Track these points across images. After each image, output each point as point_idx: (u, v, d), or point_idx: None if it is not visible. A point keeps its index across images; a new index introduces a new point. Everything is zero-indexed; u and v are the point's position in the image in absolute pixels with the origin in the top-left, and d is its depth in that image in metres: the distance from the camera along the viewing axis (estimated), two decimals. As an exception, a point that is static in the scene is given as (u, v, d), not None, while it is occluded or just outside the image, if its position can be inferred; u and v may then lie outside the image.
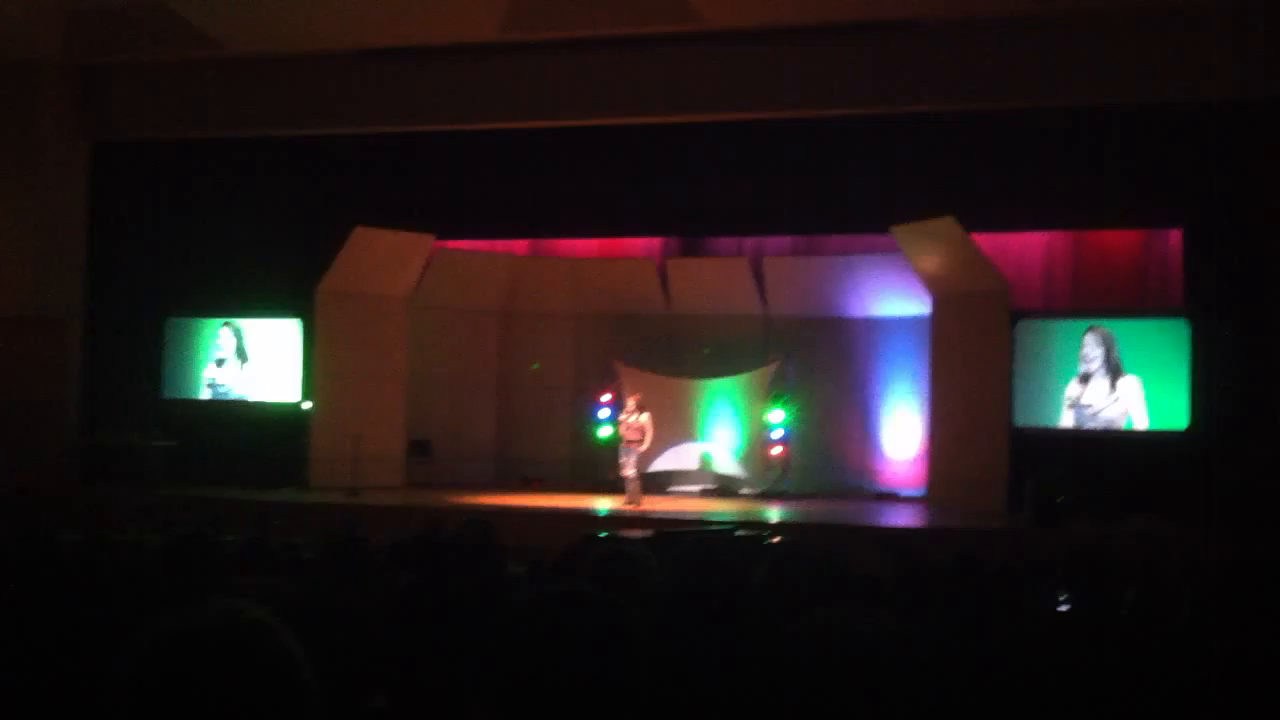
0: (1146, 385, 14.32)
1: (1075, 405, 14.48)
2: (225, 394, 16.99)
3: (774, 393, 17.04)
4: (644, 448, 15.21)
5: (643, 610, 2.88)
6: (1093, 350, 14.49)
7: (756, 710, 1.92)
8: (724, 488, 17.15)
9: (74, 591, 3.13)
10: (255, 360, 16.99)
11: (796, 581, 3.78)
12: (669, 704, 2.43)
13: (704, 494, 17.05)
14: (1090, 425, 14.46)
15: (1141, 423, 14.26)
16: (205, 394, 17.05)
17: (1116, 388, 14.37)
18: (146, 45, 15.32)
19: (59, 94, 16.45)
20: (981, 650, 2.67)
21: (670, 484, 17.31)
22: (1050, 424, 14.65)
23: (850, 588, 3.98)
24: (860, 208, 15.55)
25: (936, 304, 15.74)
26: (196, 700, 1.69)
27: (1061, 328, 14.93)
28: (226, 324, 17.02)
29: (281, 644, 1.77)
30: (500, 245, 18.61)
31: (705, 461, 17.30)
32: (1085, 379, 14.52)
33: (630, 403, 15.40)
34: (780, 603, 3.54)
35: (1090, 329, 14.58)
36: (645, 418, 15.14)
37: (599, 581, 3.90)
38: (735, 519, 13.63)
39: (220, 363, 17.04)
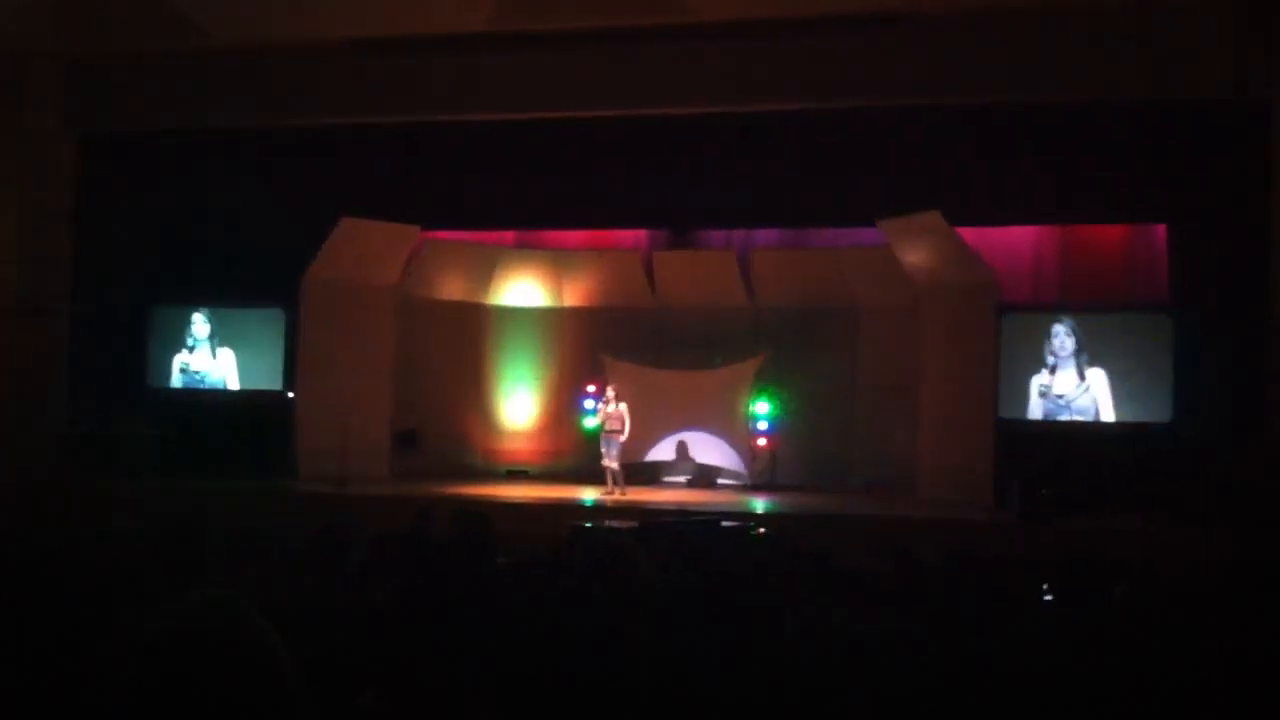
0: (1131, 380, 14.42)
1: (1046, 395, 14.62)
2: (200, 381, 16.95)
3: (760, 385, 17.07)
4: (624, 437, 15.30)
5: (634, 605, 2.87)
6: (1064, 340, 14.60)
7: (753, 708, 1.92)
8: (710, 479, 17.17)
9: (59, 583, 3.11)
10: (238, 349, 16.96)
11: (789, 577, 3.78)
12: (664, 701, 2.42)
13: (690, 485, 17.09)
14: (1062, 416, 14.59)
15: (1108, 414, 14.42)
16: (177, 380, 16.99)
17: (1085, 378, 14.50)
18: (134, 35, 15.23)
19: (47, 83, 16.34)
20: (980, 649, 2.68)
21: (657, 475, 17.35)
22: (1028, 416, 14.78)
23: (842, 584, 3.98)
24: (847, 201, 15.56)
25: (923, 297, 15.76)
26: (178, 692, 1.68)
27: (1047, 322, 14.98)
28: (200, 310, 16.98)
29: (262, 637, 1.77)
30: (487, 237, 18.57)
31: (690, 452, 17.34)
32: (1053, 369, 14.68)
33: (609, 392, 15.49)
34: (772, 598, 3.54)
35: (1058, 320, 14.71)
36: (624, 407, 15.29)
37: (589, 575, 3.90)
38: (721, 510, 13.64)
39: (191, 349, 16.99)
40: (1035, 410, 14.76)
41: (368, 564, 5.11)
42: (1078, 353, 14.57)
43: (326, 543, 5.67)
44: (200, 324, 17.00)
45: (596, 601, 2.10)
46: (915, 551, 5.36)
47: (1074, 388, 14.52)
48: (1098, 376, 14.49)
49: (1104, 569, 4.95)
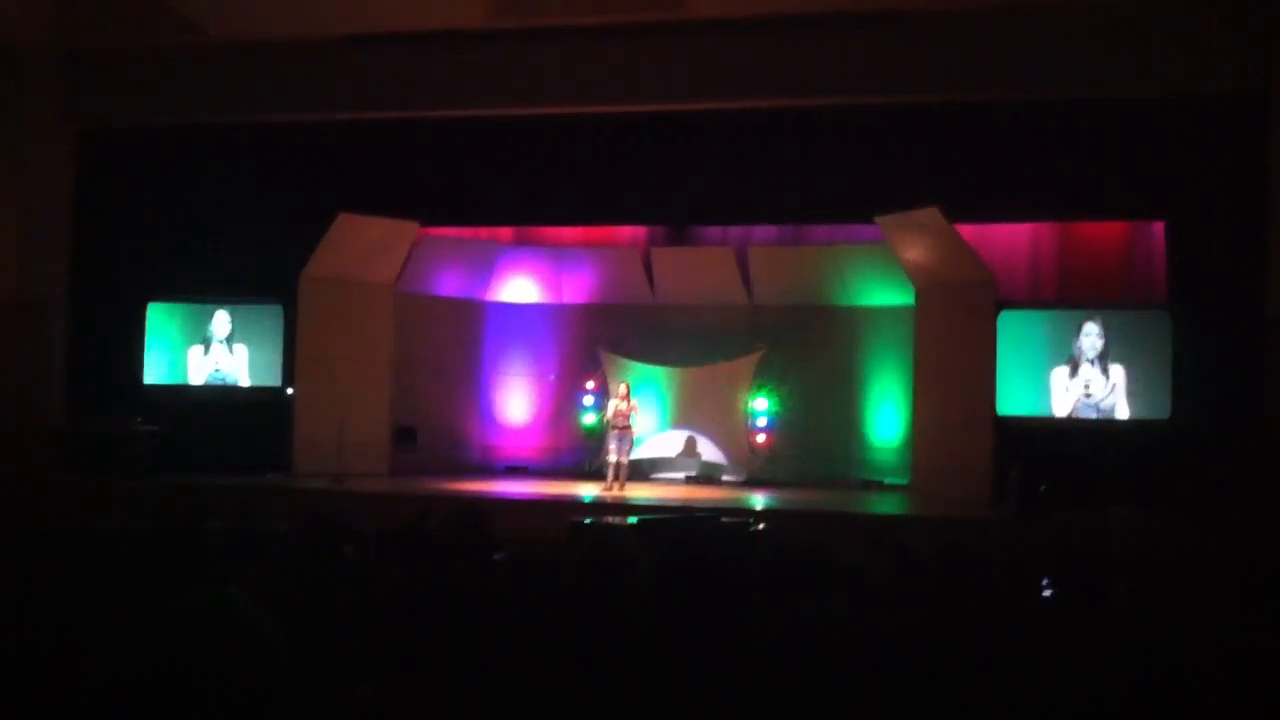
0: (1129, 376, 14.44)
1: (1080, 394, 14.55)
2: (223, 379, 16.87)
3: (759, 381, 17.09)
4: (635, 433, 15.40)
5: (633, 601, 2.88)
6: (1094, 341, 14.58)
7: (749, 704, 1.92)
8: (708, 475, 17.18)
9: (57, 580, 3.11)
10: (239, 345, 16.92)
11: (787, 573, 3.78)
12: (660, 696, 2.43)
13: (688, 481, 17.09)
14: (1088, 414, 14.54)
15: (1123, 411, 14.41)
16: (201, 379, 16.89)
17: (1110, 375, 14.49)
18: (133, 32, 15.24)
19: (45, 79, 16.34)
20: (976, 645, 2.68)
21: (654, 471, 17.35)
22: (1036, 413, 14.73)
23: (839, 580, 3.98)
24: (845, 197, 15.53)
25: (921, 294, 15.76)
26: (177, 688, 1.68)
27: (1045, 318, 14.99)
28: (221, 309, 16.90)
29: (261, 633, 1.77)
30: (485, 233, 18.56)
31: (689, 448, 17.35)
32: (1076, 367, 14.63)
33: (621, 388, 15.52)
34: (772, 595, 3.54)
35: (1090, 318, 14.68)
36: (635, 402, 15.35)
37: (588, 570, 3.91)
38: (720, 506, 13.64)
39: (206, 346, 16.91)
40: (1063, 408, 14.71)
41: (365, 560, 5.12)
42: (1105, 350, 14.57)
43: (324, 539, 5.68)
44: (222, 323, 16.89)
45: (594, 598, 2.10)
46: (912, 548, 5.37)
47: (1103, 386, 14.51)
48: (1119, 373, 14.47)
49: (1101, 566, 4.96)
